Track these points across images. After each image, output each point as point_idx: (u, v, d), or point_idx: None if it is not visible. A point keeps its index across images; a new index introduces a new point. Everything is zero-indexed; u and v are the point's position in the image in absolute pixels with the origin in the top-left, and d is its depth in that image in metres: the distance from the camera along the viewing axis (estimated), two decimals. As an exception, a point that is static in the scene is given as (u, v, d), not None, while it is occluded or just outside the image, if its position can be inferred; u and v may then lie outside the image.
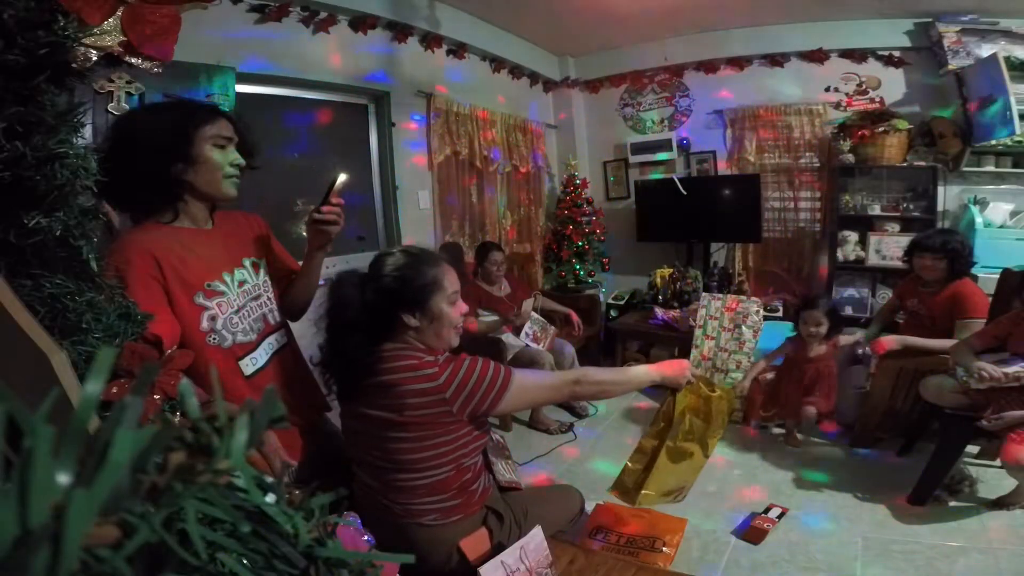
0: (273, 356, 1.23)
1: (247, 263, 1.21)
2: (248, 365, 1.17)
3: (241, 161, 1.16)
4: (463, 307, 1.23)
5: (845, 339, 2.64)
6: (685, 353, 3.15)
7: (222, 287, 1.13)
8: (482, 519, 1.23)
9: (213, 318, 1.11)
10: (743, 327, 2.99)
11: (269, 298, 1.26)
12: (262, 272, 1.25)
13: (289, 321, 1.35)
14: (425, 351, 1.16)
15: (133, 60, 1.81)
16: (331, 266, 2.93)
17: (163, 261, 1.04)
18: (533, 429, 2.95)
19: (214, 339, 1.11)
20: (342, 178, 1.25)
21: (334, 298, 1.15)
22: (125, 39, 1.75)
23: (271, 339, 1.24)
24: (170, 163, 1.06)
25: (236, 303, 1.15)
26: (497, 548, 1.17)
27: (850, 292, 3.57)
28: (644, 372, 1.37)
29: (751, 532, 1.91)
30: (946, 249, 2.34)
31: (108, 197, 1.01)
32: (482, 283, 3.06)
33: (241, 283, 1.18)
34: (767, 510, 2.01)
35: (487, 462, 1.36)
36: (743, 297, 3.09)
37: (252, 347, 1.18)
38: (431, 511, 1.16)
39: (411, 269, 1.15)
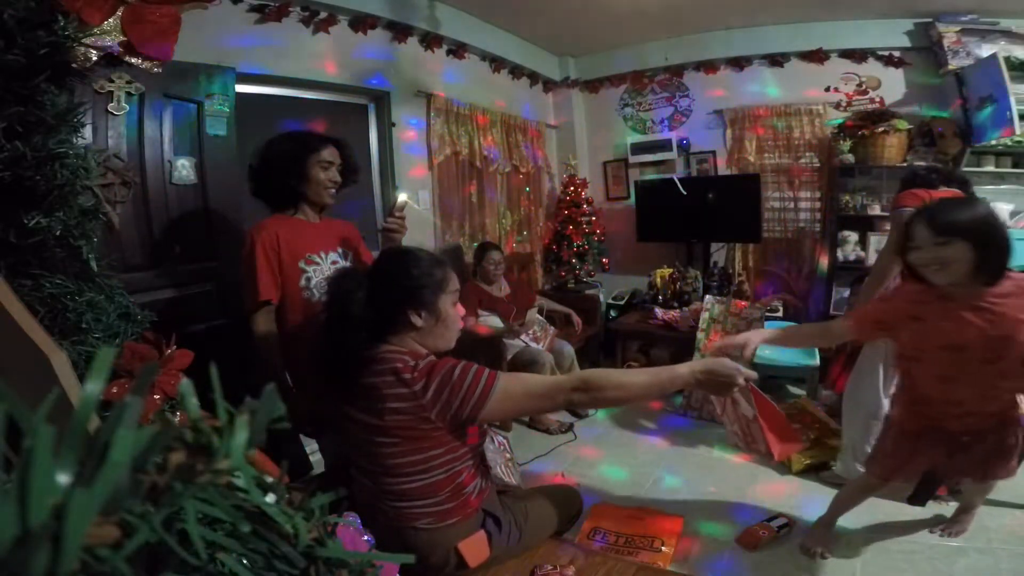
0: None
1: (340, 249, 1.67)
2: None
3: (338, 179, 1.65)
4: (461, 309, 1.25)
5: None
6: (687, 355, 3.14)
7: (317, 259, 1.61)
8: (480, 522, 1.21)
9: (308, 279, 1.58)
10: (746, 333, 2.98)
11: None
12: (351, 258, 1.70)
13: None
14: (412, 355, 1.13)
15: (133, 60, 1.81)
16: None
17: (281, 236, 1.55)
18: (533, 429, 2.95)
19: (307, 294, 1.59)
20: (401, 198, 1.67)
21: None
22: (125, 39, 1.76)
23: None
24: (289, 179, 1.58)
25: (327, 272, 1.59)
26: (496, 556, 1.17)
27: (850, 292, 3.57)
28: (684, 371, 1.12)
29: (746, 537, 1.90)
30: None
31: (258, 196, 1.64)
32: (481, 283, 3.06)
33: (334, 262, 1.64)
34: (772, 519, 1.98)
35: (486, 464, 1.34)
36: (746, 303, 3.09)
37: None
38: (424, 515, 1.14)
39: (421, 269, 1.17)
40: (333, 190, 1.65)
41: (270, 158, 1.59)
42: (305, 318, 1.56)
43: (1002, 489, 1.99)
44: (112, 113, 1.84)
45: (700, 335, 3.09)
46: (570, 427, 2.91)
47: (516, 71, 4.05)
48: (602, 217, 4.31)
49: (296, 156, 1.58)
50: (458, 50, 3.49)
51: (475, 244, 3.36)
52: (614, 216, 4.44)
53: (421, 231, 3.29)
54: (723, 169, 4.10)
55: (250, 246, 1.54)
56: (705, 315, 3.09)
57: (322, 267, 1.61)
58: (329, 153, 1.62)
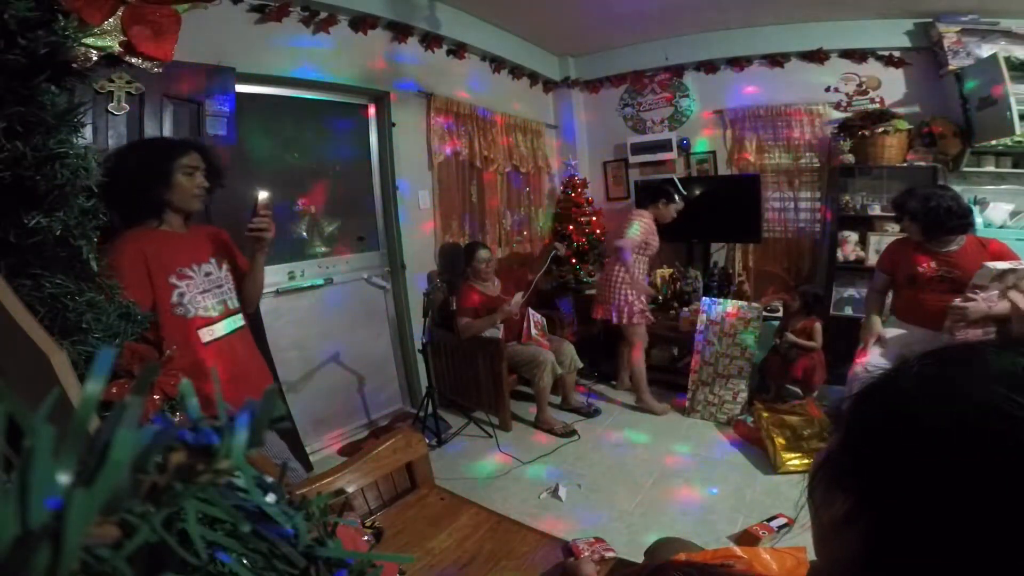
0: (232, 332, 1.57)
1: (212, 260, 1.57)
2: (206, 335, 1.49)
3: (205, 184, 1.54)
4: None
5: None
6: (687, 355, 3.14)
7: (190, 273, 1.49)
8: None
9: (181, 294, 1.45)
10: (744, 333, 2.99)
11: (230, 288, 1.61)
12: (224, 268, 1.60)
13: (246, 309, 1.67)
14: None
15: (133, 60, 1.81)
16: (331, 267, 2.93)
17: (148, 251, 1.41)
18: (538, 429, 2.96)
19: (180, 311, 1.45)
20: (262, 195, 1.58)
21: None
22: (125, 39, 1.76)
23: (231, 319, 1.58)
24: (154, 187, 1.46)
25: (202, 286, 1.51)
26: None
27: (850, 292, 3.57)
28: None
29: (744, 537, 1.90)
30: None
31: (112, 210, 1.30)
32: (474, 282, 3.06)
33: (208, 274, 1.53)
34: (772, 519, 1.98)
35: None
36: (743, 303, 3.09)
37: (212, 321, 1.51)
38: None
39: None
40: (201, 196, 1.56)
41: (131, 167, 1.43)
42: (182, 339, 1.41)
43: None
44: (112, 113, 1.84)
45: (698, 336, 3.09)
46: (574, 430, 2.91)
47: (516, 71, 4.05)
48: (602, 217, 4.31)
49: (159, 163, 1.47)
50: (458, 50, 3.49)
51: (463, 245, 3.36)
52: (614, 216, 4.43)
53: (421, 230, 3.29)
54: (723, 169, 4.10)
55: (110, 262, 1.33)
56: (703, 317, 3.09)
57: (196, 280, 1.50)
58: (191, 159, 1.52)
